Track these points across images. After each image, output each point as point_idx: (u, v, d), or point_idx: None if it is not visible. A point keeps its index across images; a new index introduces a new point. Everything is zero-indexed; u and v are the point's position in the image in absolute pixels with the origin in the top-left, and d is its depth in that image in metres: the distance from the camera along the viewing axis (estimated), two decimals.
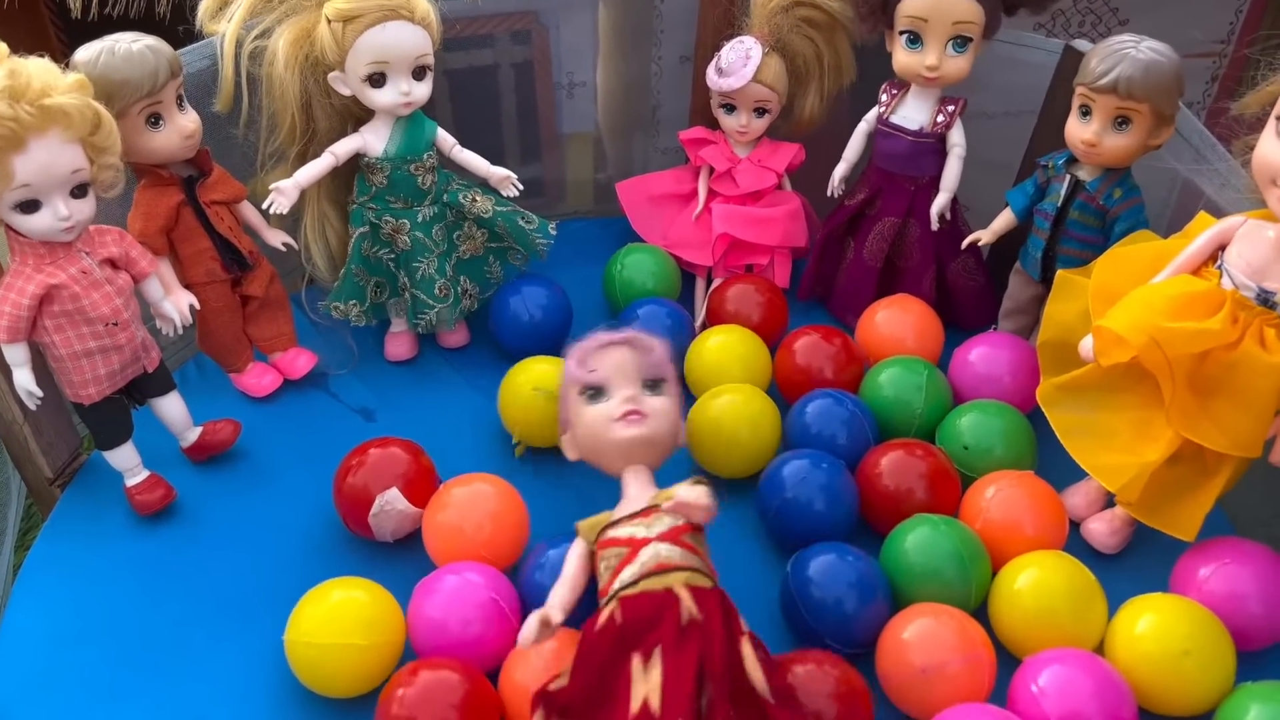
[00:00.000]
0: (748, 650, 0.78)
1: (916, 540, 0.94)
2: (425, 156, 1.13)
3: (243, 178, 1.12)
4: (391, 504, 0.98)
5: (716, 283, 1.28)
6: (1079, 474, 0.98)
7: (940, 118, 1.17)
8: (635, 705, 0.75)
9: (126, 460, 1.02)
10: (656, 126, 1.42)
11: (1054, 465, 1.03)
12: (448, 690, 0.82)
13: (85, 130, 0.87)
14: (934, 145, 1.18)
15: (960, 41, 1.11)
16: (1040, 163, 1.11)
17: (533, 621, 0.81)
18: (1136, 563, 1.01)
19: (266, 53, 1.08)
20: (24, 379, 0.94)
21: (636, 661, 0.76)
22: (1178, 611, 0.89)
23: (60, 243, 0.90)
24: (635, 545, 0.81)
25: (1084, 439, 0.96)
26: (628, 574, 0.80)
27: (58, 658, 0.93)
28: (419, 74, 1.08)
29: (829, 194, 1.26)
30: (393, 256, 1.17)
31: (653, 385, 0.91)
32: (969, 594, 0.93)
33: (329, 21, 1.04)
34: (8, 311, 0.90)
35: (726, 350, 1.14)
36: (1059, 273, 1.04)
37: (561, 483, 1.08)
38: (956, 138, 1.17)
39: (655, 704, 0.74)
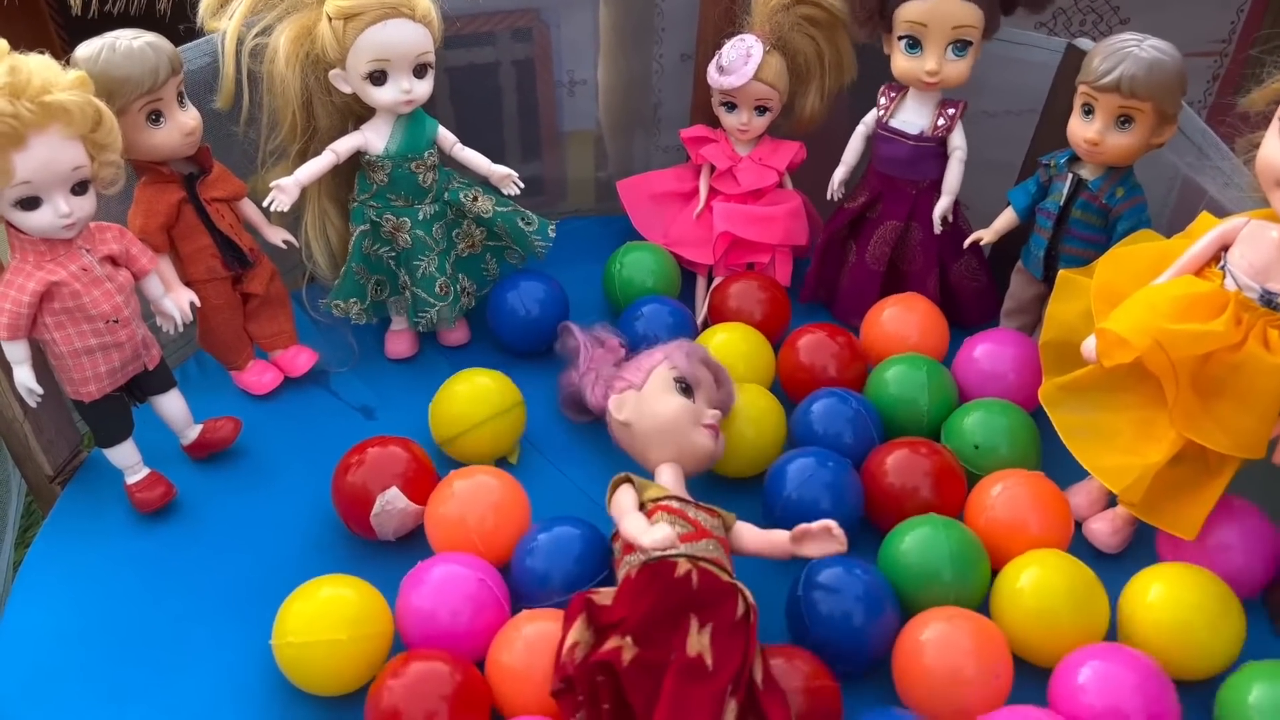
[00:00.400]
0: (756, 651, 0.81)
1: (914, 541, 0.94)
2: (426, 154, 1.13)
3: (243, 175, 1.12)
4: (392, 503, 0.98)
5: (717, 281, 1.28)
6: (1081, 473, 0.98)
7: (941, 121, 1.17)
8: (691, 653, 0.78)
9: (127, 458, 1.02)
10: (657, 124, 1.42)
11: (1056, 464, 1.02)
12: (438, 681, 0.82)
13: (86, 127, 0.87)
14: (935, 149, 1.18)
15: (960, 45, 1.11)
16: (1042, 162, 1.11)
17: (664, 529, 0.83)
18: (1139, 563, 1.00)
19: (267, 50, 1.07)
20: (24, 376, 0.94)
21: (694, 623, 0.80)
22: (1185, 578, 0.90)
23: (61, 240, 0.90)
24: (699, 529, 0.86)
25: (1087, 439, 0.95)
26: (700, 548, 0.84)
27: (58, 655, 0.93)
28: (420, 72, 1.08)
29: (828, 197, 1.26)
30: (393, 254, 1.17)
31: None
32: (967, 595, 0.93)
33: (330, 19, 1.04)
34: (8, 309, 0.90)
35: (730, 348, 1.14)
36: (1061, 272, 1.04)
37: (563, 476, 1.08)
38: (957, 140, 1.17)
39: (709, 660, 0.78)
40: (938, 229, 1.20)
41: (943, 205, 1.18)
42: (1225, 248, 0.89)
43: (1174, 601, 0.89)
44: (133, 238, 0.98)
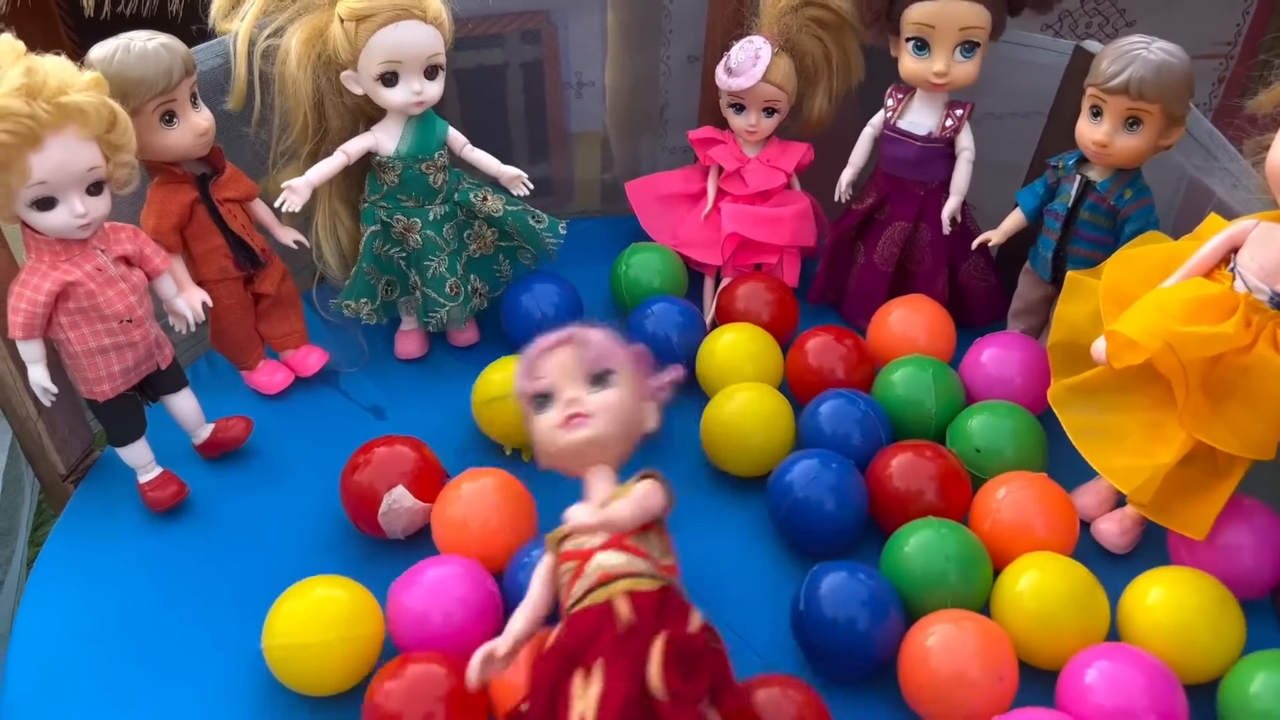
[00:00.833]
0: (657, 647, 0.72)
1: (916, 545, 0.94)
2: (436, 155, 1.13)
3: (255, 176, 1.12)
4: (399, 501, 0.98)
5: (725, 282, 1.28)
6: (1089, 474, 0.99)
7: (949, 122, 1.17)
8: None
9: (139, 457, 1.03)
10: (665, 126, 1.42)
11: (1064, 465, 1.03)
12: (434, 684, 0.82)
13: (101, 128, 0.87)
14: (943, 150, 1.18)
15: (968, 46, 1.11)
16: (1050, 163, 1.11)
17: (476, 659, 0.79)
18: (1148, 563, 1.01)
19: (279, 51, 1.08)
20: (39, 375, 0.95)
21: (577, 679, 0.73)
22: (1184, 581, 0.91)
23: (76, 240, 0.91)
24: (584, 557, 0.78)
25: (1096, 440, 0.96)
26: (577, 589, 0.77)
27: (71, 653, 0.94)
28: (431, 73, 1.08)
29: (836, 199, 1.26)
30: (404, 255, 1.17)
31: (600, 379, 0.85)
32: (970, 598, 0.93)
33: (342, 21, 1.04)
34: (24, 308, 0.91)
35: (738, 348, 1.14)
36: (1069, 274, 1.04)
37: (569, 479, 1.08)
38: (965, 141, 1.17)
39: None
40: (947, 230, 1.20)
41: (951, 206, 1.19)
42: (1235, 250, 0.90)
43: (1174, 604, 0.89)
44: (146, 238, 0.98)
